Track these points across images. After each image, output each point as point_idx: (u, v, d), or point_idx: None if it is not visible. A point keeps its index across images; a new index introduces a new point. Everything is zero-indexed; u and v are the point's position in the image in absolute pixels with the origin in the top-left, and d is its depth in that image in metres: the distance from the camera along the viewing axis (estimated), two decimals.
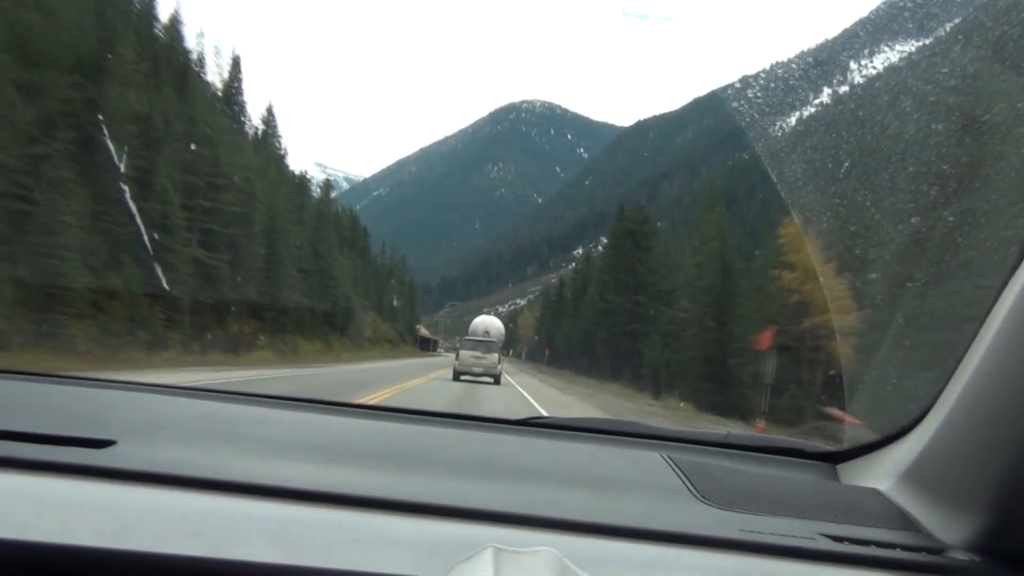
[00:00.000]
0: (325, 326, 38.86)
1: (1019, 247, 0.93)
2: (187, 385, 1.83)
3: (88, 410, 1.28)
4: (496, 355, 24.53)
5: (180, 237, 22.42)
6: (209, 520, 0.84)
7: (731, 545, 0.92)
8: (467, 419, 1.60)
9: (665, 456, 1.30)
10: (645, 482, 1.19)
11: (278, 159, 43.58)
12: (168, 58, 27.86)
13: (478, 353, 24.40)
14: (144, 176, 20.22)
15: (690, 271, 35.74)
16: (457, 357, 24.67)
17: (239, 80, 37.19)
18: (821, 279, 1.49)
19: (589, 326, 50.76)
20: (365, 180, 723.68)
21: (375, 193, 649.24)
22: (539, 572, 0.72)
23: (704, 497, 1.11)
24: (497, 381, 23.88)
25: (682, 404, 24.81)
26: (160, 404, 1.39)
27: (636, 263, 46.03)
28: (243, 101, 37.69)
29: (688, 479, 1.18)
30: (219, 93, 35.16)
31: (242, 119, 37.57)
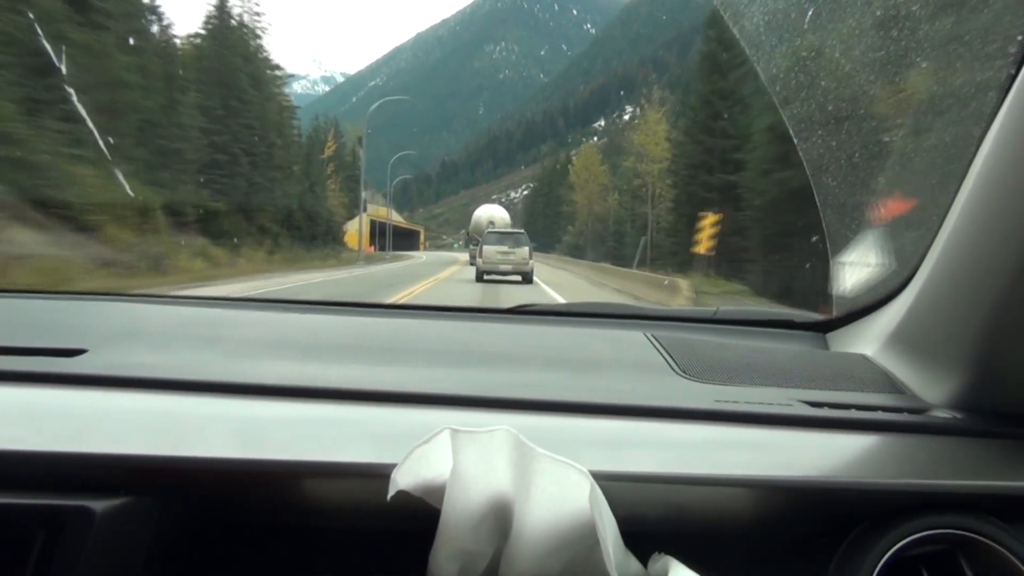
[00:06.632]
0: None
1: (997, 92, 0.87)
2: (165, 293, 1.80)
3: (60, 321, 1.26)
4: (527, 249, 21.77)
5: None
6: (169, 419, 0.84)
7: (703, 415, 0.92)
8: (453, 310, 1.57)
9: (649, 335, 1.27)
10: (624, 361, 1.17)
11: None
12: None
13: (505, 248, 21.43)
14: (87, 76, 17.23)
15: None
16: (480, 253, 21.77)
17: None
18: (795, 140, 1.43)
19: None
20: (360, 71, 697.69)
21: (371, 84, 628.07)
22: (495, 450, 0.73)
23: (684, 371, 1.10)
24: (528, 280, 21.12)
25: (666, 281, 24.09)
26: (135, 312, 1.37)
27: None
28: None
29: (669, 355, 1.16)
30: None
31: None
